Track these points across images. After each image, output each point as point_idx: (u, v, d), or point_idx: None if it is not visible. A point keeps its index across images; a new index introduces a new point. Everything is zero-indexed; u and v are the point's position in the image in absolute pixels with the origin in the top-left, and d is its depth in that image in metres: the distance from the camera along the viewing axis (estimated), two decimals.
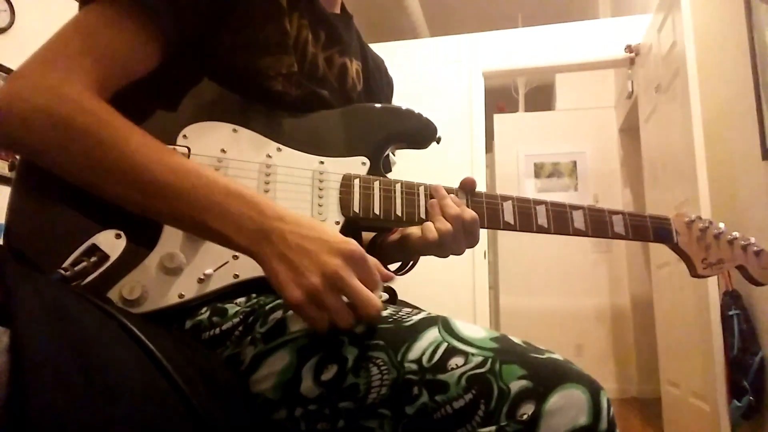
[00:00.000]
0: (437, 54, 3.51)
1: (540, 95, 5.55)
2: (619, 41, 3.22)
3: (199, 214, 0.53)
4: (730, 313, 2.07)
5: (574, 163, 4.59)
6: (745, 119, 2.12)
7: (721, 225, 0.88)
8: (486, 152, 3.43)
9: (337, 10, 0.82)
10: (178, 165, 0.55)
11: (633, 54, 3.17)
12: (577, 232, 0.78)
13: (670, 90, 2.54)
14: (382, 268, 0.56)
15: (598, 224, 0.79)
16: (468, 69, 3.43)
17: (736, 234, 0.87)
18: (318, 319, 0.51)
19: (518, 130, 4.82)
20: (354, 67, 0.81)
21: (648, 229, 0.82)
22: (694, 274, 0.86)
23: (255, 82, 0.67)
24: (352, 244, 0.52)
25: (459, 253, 0.72)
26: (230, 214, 0.53)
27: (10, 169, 2.53)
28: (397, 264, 0.81)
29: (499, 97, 5.37)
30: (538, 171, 4.66)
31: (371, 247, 0.83)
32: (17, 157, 0.60)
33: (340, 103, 0.76)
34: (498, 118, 4.89)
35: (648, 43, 2.94)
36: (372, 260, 0.54)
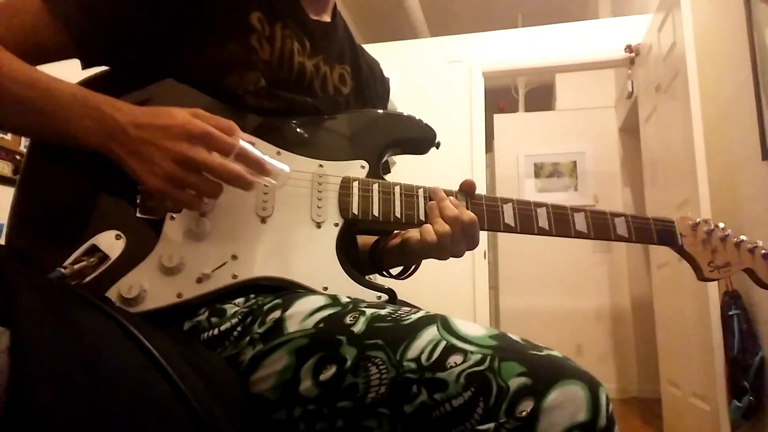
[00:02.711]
0: (437, 54, 3.51)
1: (540, 95, 5.55)
2: (619, 41, 3.22)
3: (45, 119, 0.56)
4: (730, 313, 2.07)
5: (574, 163, 4.58)
6: (745, 119, 2.12)
7: (729, 230, 0.86)
8: (486, 152, 3.43)
9: (327, 17, 0.82)
10: (28, 77, 0.57)
11: (633, 54, 3.17)
12: (579, 235, 0.77)
13: (670, 90, 2.54)
14: (232, 134, 0.57)
15: (600, 227, 0.78)
16: (468, 69, 3.43)
17: (743, 237, 0.85)
18: (186, 200, 0.56)
19: (518, 130, 4.81)
20: (337, 72, 0.81)
21: (651, 232, 0.81)
22: (701, 277, 0.84)
23: (228, 99, 0.68)
24: (190, 123, 0.55)
25: (458, 255, 0.71)
26: (75, 118, 0.56)
27: (14, 173, 2.54)
28: (399, 268, 0.81)
29: (499, 97, 5.38)
30: (538, 171, 4.66)
31: (373, 252, 0.83)
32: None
33: (327, 109, 0.76)
34: (498, 118, 4.89)
35: (648, 43, 2.94)
36: (216, 132, 0.56)
